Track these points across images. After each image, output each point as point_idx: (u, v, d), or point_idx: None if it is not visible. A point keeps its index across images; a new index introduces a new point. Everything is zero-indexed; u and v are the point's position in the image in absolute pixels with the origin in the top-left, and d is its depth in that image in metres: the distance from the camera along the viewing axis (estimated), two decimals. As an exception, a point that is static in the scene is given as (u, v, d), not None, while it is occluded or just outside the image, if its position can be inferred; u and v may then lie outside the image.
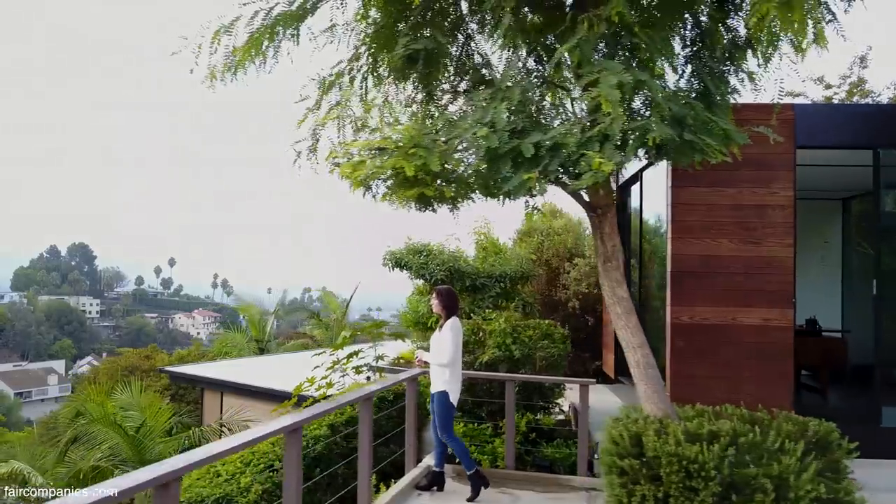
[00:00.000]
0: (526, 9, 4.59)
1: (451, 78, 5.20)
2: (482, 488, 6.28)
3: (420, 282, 12.08)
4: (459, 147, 3.85)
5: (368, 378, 10.03)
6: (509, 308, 9.48)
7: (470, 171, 3.96)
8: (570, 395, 8.12)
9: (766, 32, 4.29)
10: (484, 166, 3.81)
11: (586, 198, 4.83)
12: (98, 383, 20.83)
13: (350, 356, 10.42)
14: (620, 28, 3.86)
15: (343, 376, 10.24)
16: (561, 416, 8.14)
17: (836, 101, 13.90)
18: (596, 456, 6.47)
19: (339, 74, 6.25)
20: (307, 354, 20.12)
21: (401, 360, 13.45)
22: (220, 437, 12.91)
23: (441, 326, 6.34)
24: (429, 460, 7.07)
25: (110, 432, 11.84)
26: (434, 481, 6.53)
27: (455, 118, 4.30)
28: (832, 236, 10.76)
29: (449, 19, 5.74)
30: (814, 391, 8.81)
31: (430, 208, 4.69)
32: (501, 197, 4.15)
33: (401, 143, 3.76)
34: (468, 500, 6.20)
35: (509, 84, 4.09)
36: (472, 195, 4.57)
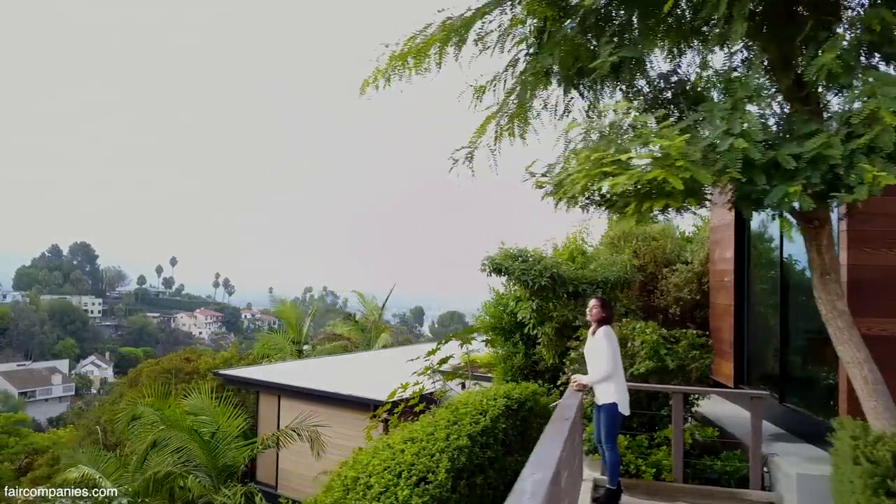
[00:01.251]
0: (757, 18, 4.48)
1: (653, 86, 5.10)
2: None
3: (501, 286, 11.96)
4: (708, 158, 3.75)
5: (464, 385, 9.92)
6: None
7: (723, 182, 3.85)
8: (704, 405, 7.99)
9: None
10: (740, 178, 3.71)
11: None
12: (140, 385, 20.68)
13: (441, 361, 10.32)
14: (882, 35, 3.76)
15: (434, 382, 10.13)
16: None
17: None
18: (766, 469, 6.37)
19: (495, 79, 6.17)
20: (356, 356, 20.04)
21: (473, 365, 13.36)
22: (283, 443, 12.78)
23: (594, 333, 6.26)
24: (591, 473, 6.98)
25: (186, 437, 11.72)
26: (611, 499, 6.37)
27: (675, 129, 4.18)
28: None
29: (612, 24, 5.63)
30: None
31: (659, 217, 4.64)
32: (751, 209, 4.05)
33: (658, 155, 3.66)
34: None
35: (748, 94, 3.99)
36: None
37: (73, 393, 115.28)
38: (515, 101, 5.97)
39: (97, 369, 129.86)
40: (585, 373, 6.40)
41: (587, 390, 6.33)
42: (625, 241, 10.01)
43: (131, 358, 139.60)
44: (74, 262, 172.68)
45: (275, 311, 24.79)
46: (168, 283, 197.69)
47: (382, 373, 17.71)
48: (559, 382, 8.65)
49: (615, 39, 5.61)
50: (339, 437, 13.35)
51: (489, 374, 13.02)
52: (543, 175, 4.69)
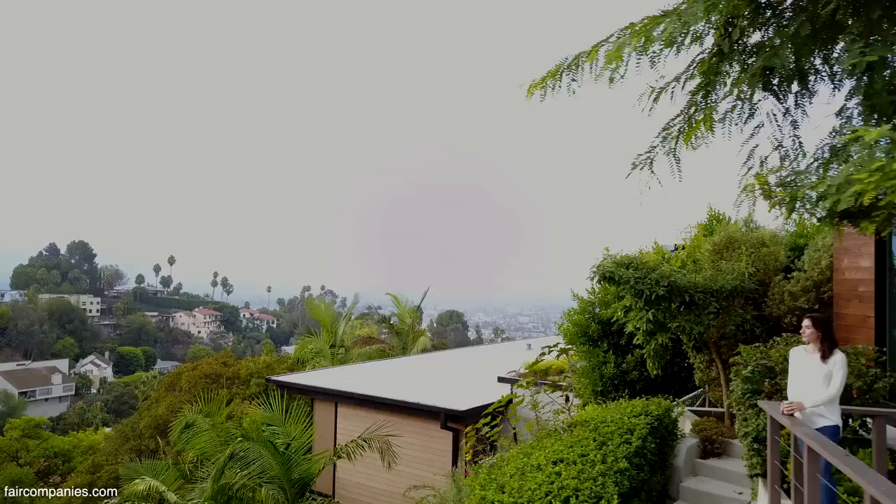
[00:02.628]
0: None
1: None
2: None
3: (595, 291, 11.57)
4: None
5: (567, 398, 9.52)
6: (727, 326, 9.01)
7: None
8: None
9: None
10: None
11: None
12: (179, 391, 20.25)
13: (541, 371, 9.94)
14: None
15: (534, 393, 9.73)
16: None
17: None
18: None
19: (677, 79, 5.80)
20: (406, 360, 19.49)
21: (546, 373, 12.97)
22: (355, 454, 12.34)
23: (823, 353, 5.87)
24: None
25: (262, 450, 11.29)
26: None
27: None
28: None
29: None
30: None
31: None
32: None
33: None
34: None
35: None
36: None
37: (73, 393, 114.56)
38: (701, 104, 5.60)
39: (97, 369, 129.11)
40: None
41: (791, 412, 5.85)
42: (732, 247, 9.63)
43: (130, 357, 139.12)
44: (72, 261, 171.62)
45: (310, 313, 23.85)
46: (166, 282, 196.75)
47: (445, 378, 17.35)
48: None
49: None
50: (405, 446, 12.94)
51: (561, 383, 12.60)
52: (782, 184, 4.32)
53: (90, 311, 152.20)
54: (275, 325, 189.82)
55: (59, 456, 31.76)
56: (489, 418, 9.46)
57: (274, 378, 16.37)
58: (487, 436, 9.45)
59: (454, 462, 12.68)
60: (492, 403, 13.21)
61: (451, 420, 12.68)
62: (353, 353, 21.60)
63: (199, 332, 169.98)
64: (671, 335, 9.11)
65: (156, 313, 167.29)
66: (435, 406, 12.86)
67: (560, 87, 5.63)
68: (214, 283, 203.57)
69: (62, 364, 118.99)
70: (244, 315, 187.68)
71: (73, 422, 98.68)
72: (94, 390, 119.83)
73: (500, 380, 13.58)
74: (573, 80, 5.58)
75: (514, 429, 9.80)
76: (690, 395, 11.05)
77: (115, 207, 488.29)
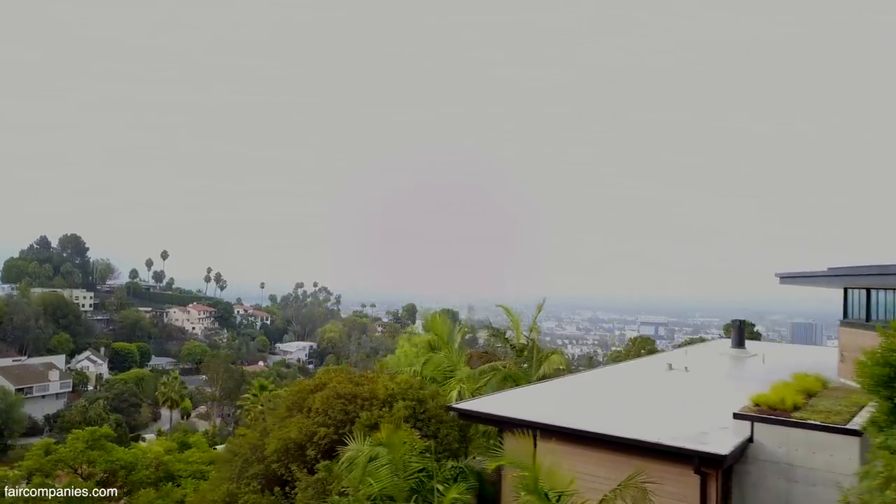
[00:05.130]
0: None
1: None
2: None
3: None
4: None
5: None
6: None
7: None
8: None
9: None
10: None
11: None
12: (309, 411, 19.02)
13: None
14: None
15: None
16: None
17: None
18: None
19: None
20: (587, 377, 18.28)
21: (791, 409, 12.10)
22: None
23: None
24: None
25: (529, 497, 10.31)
26: None
27: None
28: None
29: None
30: None
31: None
32: None
33: None
34: None
35: None
36: None
37: (70, 390, 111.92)
38: None
39: (92, 365, 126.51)
40: None
41: None
42: None
43: (125, 353, 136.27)
44: (64, 255, 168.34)
45: (424, 324, 22.33)
46: (158, 277, 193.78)
47: (635, 406, 16.49)
48: None
49: None
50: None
51: (825, 424, 11.60)
52: None
53: (83, 305, 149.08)
54: (269, 322, 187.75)
55: (123, 468, 30.51)
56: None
57: (457, 406, 15.31)
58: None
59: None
60: (742, 442, 12.39)
61: (704, 464, 11.73)
62: (479, 374, 20.38)
63: (194, 328, 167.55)
64: None
65: (149, 309, 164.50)
66: (684, 448, 11.88)
67: None
68: (208, 279, 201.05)
69: (59, 360, 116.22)
70: (238, 311, 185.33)
71: (75, 420, 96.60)
72: (90, 387, 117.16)
73: (739, 416, 12.70)
74: None
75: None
76: None
77: (114, 207, 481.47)
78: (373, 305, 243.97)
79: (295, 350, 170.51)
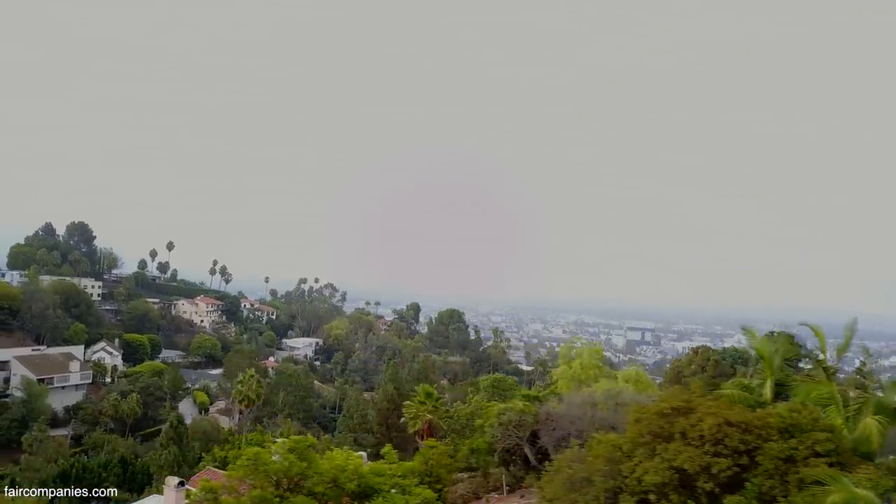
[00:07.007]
0: None
1: None
2: None
3: None
4: None
5: None
6: None
7: None
8: None
9: None
10: None
11: None
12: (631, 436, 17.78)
13: None
14: None
15: None
16: None
17: None
18: None
19: None
20: None
21: None
22: None
23: None
24: None
25: None
26: None
27: None
28: None
29: None
30: None
31: None
32: None
33: None
34: None
35: None
36: None
37: (89, 381, 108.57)
38: None
39: (108, 356, 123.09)
40: None
41: None
42: None
43: (136, 345, 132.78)
44: (71, 242, 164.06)
45: (756, 347, 20.03)
46: (163, 268, 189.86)
47: None
48: None
49: None
50: None
51: None
52: None
53: (92, 295, 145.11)
54: (274, 317, 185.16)
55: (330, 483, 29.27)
56: None
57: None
58: None
59: None
60: None
61: None
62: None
63: (202, 321, 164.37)
64: None
65: (157, 300, 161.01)
66: None
67: None
68: (213, 272, 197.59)
69: (77, 351, 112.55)
70: (244, 305, 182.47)
71: (108, 413, 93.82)
72: (108, 379, 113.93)
73: None
74: None
75: None
76: None
77: (114, 207, 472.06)
78: (377, 304, 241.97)
79: (302, 346, 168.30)
